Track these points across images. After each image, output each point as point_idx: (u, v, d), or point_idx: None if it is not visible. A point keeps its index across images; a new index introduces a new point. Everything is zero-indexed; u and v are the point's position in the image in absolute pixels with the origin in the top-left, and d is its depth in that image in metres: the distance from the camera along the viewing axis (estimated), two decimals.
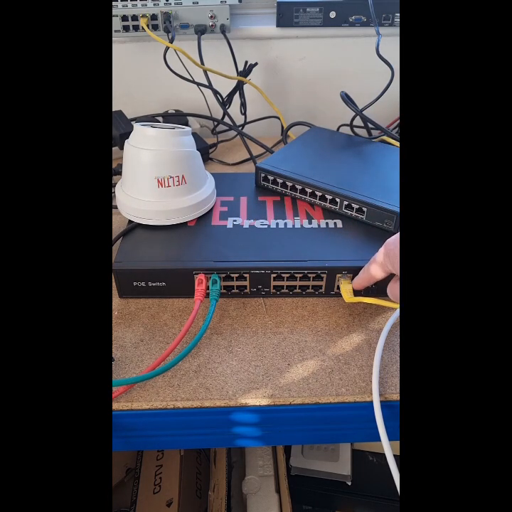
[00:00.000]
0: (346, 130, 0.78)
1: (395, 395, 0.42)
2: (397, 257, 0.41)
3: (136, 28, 0.80)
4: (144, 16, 0.78)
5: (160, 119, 0.82)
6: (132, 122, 0.73)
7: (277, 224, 0.56)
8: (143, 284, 0.50)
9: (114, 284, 0.51)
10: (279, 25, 0.83)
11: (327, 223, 0.56)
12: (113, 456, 0.76)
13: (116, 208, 0.58)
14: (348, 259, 0.49)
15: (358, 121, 0.75)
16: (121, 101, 0.89)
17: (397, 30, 0.83)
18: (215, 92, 0.79)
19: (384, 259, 0.44)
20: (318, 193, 0.58)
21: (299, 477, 0.80)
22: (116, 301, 0.52)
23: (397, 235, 0.43)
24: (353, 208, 0.56)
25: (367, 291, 0.50)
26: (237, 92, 0.83)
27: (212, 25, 0.81)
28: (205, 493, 0.80)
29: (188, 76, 0.79)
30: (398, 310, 0.48)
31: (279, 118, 0.88)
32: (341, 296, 0.50)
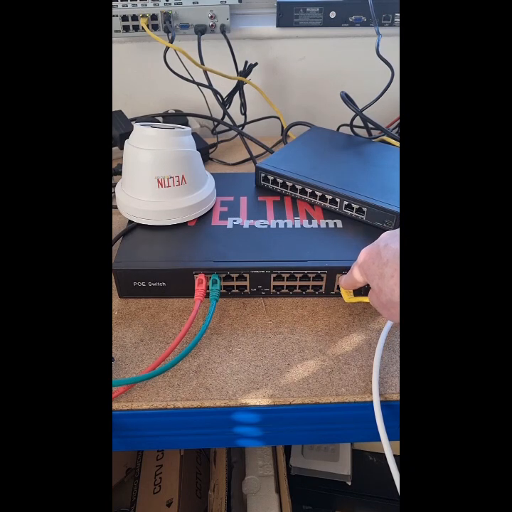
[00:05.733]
0: (346, 130, 0.78)
1: (395, 395, 0.42)
2: (370, 269, 0.41)
3: (136, 28, 0.80)
4: (144, 16, 0.78)
5: (160, 119, 0.82)
6: (132, 122, 0.73)
7: (277, 224, 0.56)
8: (143, 284, 0.50)
9: (114, 284, 0.51)
10: (279, 25, 0.83)
11: (327, 223, 0.56)
12: (113, 456, 0.76)
13: (116, 208, 0.58)
14: (348, 259, 0.49)
15: (358, 121, 0.75)
16: (121, 101, 0.89)
17: (397, 30, 0.83)
18: (215, 92, 0.79)
19: (360, 270, 0.43)
20: (318, 193, 0.58)
21: (299, 477, 0.80)
22: (116, 301, 0.52)
23: (370, 246, 0.42)
24: (353, 208, 0.56)
25: (366, 291, 0.50)
26: (237, 92, 0.83)
27: (212, 25, 0.81)
28: (205, 493, 0.80)
29: (188, 76, 0.79)
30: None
31: (279, 118, 0.88)
32: (341, 296, 0.50)
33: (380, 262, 0.40)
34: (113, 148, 0.74)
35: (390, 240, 0.40)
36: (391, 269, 0.38)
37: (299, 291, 0.52)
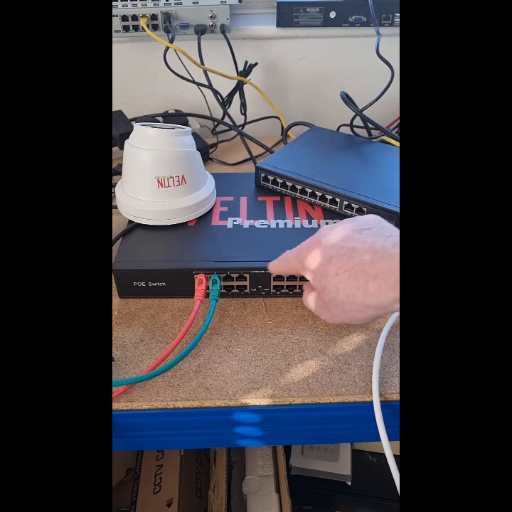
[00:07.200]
0: (346, 130, 0.78)
1: (395, 395, 0.42)
2: (311, 265, 0.39)
3: (136, 28, 0.80)
4: (144, 16, 0.78)
5: (160, 119, 0.82)
6: (132, 122, 0.73)
7: (277, 224, 0.56)
8: (143, 284, 0.50)
9: (114, 284, 0.51)
10: (279, 25, 0.83)
11: (327, 223, 0.56)
12: (113, 456, 0.76)
13: (116, 207, 0.58)
14: None
15: (358, 121, 0.75)
16: (121, 101, 0.90)
17: (397, 30, 0.83)
18: (215, 92, 0.79)
19: (298, 258, 0.42)
20: (318, 193, 0.58)
21: (299, 477, 0.80)
22: (116, 301, 0.52)
23: (310, 240, 0.41)
24: (353, 208, 0.56)
25: None
26: (237, 92, 0.83)
27: (212, 25, 0.81)
28: (205, 493, 0.80)
29: (188, 76, 0.79)
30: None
31: (279, 118, 0.88)
32: None
33: (323, 259, 0.38)
34: (113, 148, 0.74)
35: (331, 234, 0.39)
36: (335, 267, 0.37)
37: (299, 291, 0.51)
